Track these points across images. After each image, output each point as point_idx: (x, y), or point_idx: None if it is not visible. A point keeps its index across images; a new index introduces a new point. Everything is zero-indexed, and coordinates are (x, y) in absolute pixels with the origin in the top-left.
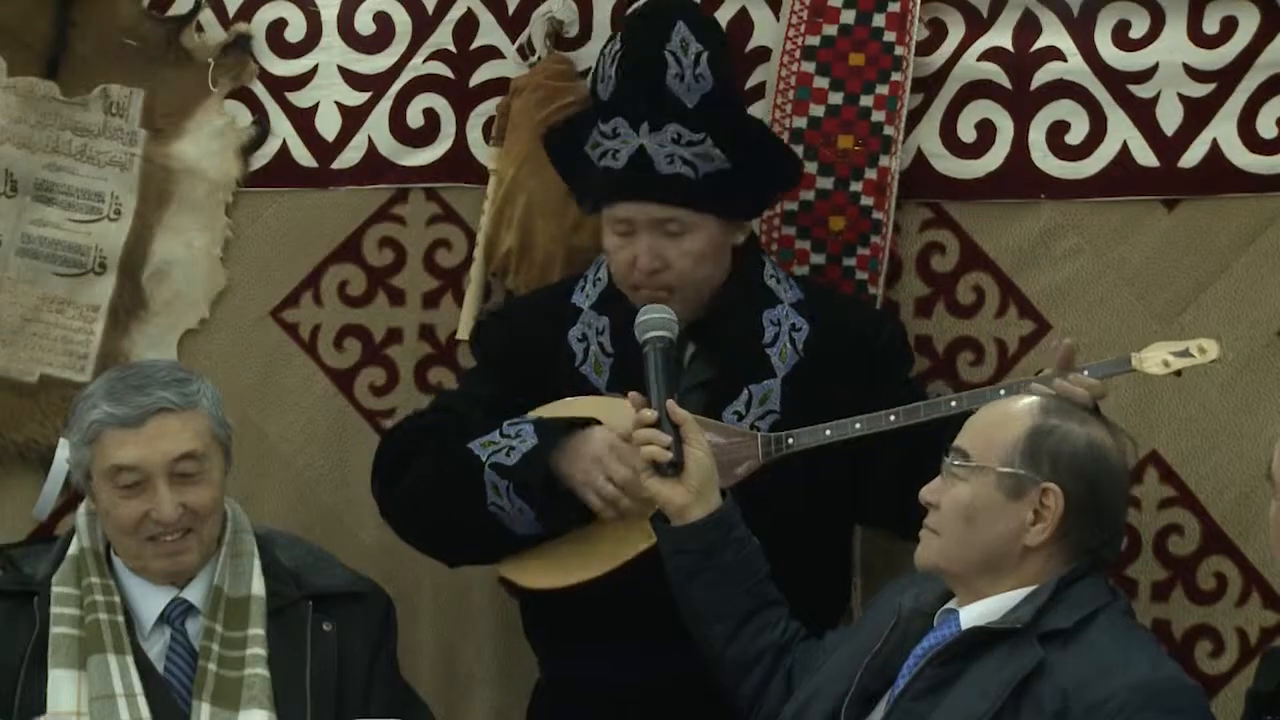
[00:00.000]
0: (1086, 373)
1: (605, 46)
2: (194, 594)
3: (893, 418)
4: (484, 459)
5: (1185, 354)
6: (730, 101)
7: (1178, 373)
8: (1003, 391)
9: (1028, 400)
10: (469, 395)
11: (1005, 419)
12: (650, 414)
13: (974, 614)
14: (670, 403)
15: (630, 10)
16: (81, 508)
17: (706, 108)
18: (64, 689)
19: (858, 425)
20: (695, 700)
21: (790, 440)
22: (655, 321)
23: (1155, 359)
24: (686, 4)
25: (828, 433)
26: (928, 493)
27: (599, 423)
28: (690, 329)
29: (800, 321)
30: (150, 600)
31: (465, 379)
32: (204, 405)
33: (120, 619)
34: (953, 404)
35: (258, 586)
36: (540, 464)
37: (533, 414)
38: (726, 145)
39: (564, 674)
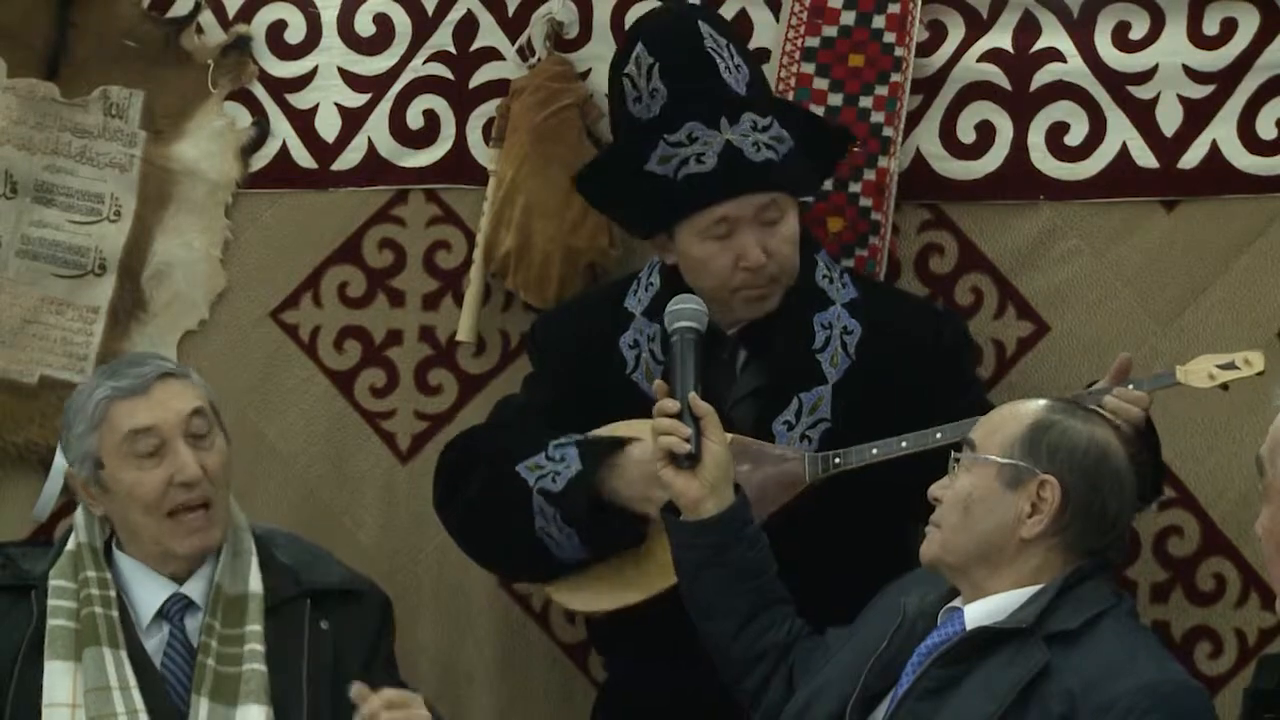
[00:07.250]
0: (1132, 387)
1: (624, 68)
2: (194, 590)
3: (939, 435)
4: (531, 484)
5: (1231, 366)
6: (766, 85)
7: (1224, 386)
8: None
9: (1039, 400)
10: (528, 405)
11: (1013, 414)
12: (673, 404)
13: (978, 613)
14: (693, 395)
15: (635, 23)
16: (81, 506)
17: (755, 93)
18: (60, 681)
19: (904, 444)
20: None
21: (837, 460)
22: (685, 312)
23: (1200, 372)
24: (694, 7)
25: (874, 451)
26: (936, 488)
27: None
28: (741, 335)
29: (853, 324)
30: (149, 595)
31: (525, 384)
32: (196, 379)
33: (115, 614)
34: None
35: (255, 584)
36: (584, 490)
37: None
38: (786, 124)
39: (630, 675)
